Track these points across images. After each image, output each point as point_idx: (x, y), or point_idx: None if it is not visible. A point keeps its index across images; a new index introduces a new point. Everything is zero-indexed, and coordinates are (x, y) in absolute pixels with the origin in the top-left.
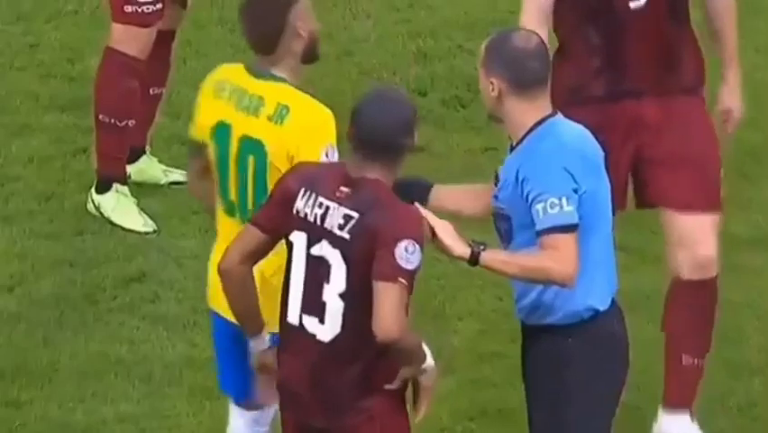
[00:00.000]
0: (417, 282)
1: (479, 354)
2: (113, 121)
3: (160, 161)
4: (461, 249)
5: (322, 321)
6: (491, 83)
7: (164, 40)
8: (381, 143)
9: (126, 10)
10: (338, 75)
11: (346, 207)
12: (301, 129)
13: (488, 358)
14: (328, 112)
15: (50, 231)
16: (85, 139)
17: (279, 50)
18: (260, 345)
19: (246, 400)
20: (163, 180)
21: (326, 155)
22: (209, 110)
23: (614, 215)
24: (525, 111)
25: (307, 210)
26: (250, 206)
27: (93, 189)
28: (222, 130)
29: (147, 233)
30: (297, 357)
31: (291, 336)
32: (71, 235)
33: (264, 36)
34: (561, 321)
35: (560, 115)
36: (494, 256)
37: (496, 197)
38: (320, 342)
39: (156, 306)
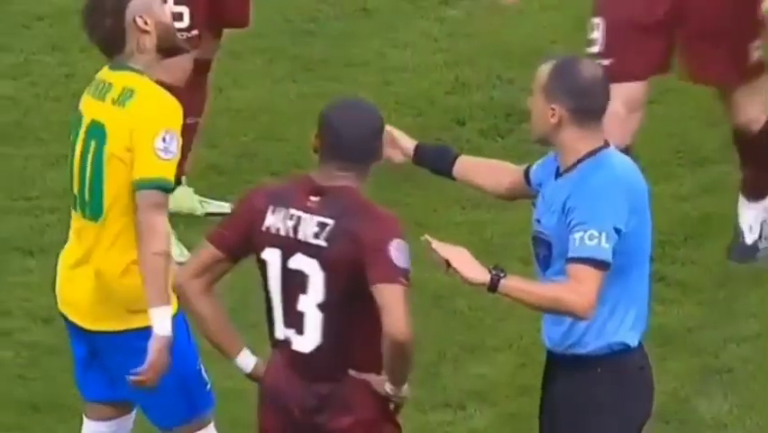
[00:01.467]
0: (457, 315)
1: (517, 387)
2: None
3: (197, 192)
4: (480, 276)
5: (301, 332)
6: (552, 109)
7: (200, 69)
8: (355, 151)
9: None
10: (375, 104)
11: (319, 215)
12: (141, 111)
13: (526, 391)
14: (174, 101)
15: None
16: None
17: (127, 48)
18: (244, 365)
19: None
20: (199, 211)
21: (163, 140)
22: (81, 102)
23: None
24: (581, 139)
25: (279, 225)
26: (86, 197)
27: None
28: (76, 119)
29: (181, 263)
30: (284, 371)
31: (279, 350)
32: None
33: (105, 40)
34: (591, 352)
35: (612, 147)
36: (514, 284)
37: (539, 221)
38: (301, 354)
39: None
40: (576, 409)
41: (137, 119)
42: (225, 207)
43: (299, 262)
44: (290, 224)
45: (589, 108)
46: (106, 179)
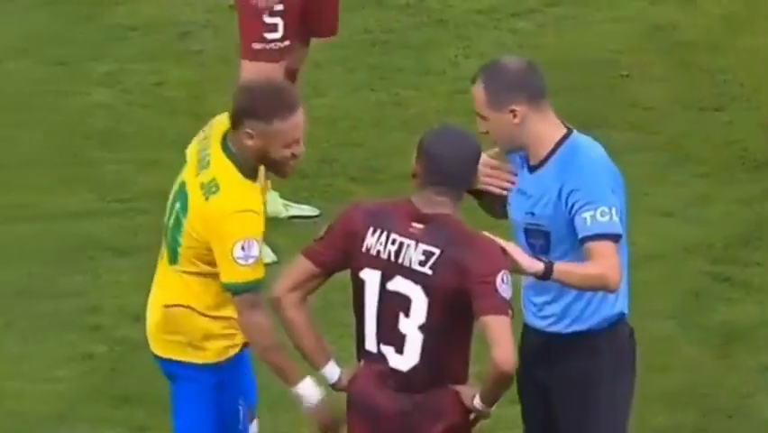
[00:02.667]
0: None
1: None
2: None
3: (281, 196)
4: (535, 264)
5: (400, 351)
6: (512, 112)
7: (288, 78)
8: (459, 179)
9: (255, 47)
10: (448, 111)
11: (424, 243)
12: (220, 217)
13: None
14: (255, 204)
15: None
16: None
17: (236, 134)
18: (330, 375)
19: None
20: (284, 214)
21: (242, 248)
22: (191, 144)
23: None
24: (546, 127)
25: (380, 247)
26: (168, 239)
27: None
28: (185, 161)
29: (267, 264)
30: (376, 381)
31: (371, 362)
32: None
33: (231, 114)
34: (593, 326)
35: (575, 132)
36: (563, 268)
37: (532, 213)
38: (398, 371)
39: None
40: (583, 385)
41: (212, 222)
42: (307, 210)
43: (400, 285)
44: (392, 248)
45: (537, 92)
46: (182, 243)
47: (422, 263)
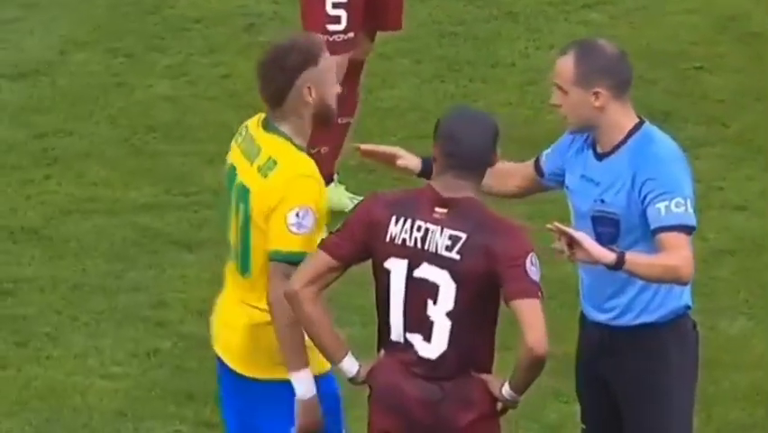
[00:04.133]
0: None
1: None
2: (323, 150)
3: (347, 189)
4: (606, 255)
5: (428, 339)
6: (595, 94)
7: (354, 70)
8: (477, 161)
9: None
10: (519, 104)
11: (450, 227)
12: (279, 185)
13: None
14: (314, 175)
15: None
16: None
17: (285, 107)
18: (348, 369)
19: None
20: (349, 207)
21: (297, 215)
22: (231, 151)
23: None
24: (624, 114)
25: (405, 236)
26: (238, 251)
27: None
28: (231, 172)
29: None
30: (402, 371)
31: (395, 352)
32: None
33: (270, 93)
34: (660, 319)
35: (647, 122)
36: (635, 259)
37: (602, 200)
38: (426, 359)
39: (341, 331)
40: (650, 381)
41: (275, 192)
42: None
43: (427, 271)
44: (417, 235)
45: (625, 81)
46: (252, 244)
47: (448, 248)
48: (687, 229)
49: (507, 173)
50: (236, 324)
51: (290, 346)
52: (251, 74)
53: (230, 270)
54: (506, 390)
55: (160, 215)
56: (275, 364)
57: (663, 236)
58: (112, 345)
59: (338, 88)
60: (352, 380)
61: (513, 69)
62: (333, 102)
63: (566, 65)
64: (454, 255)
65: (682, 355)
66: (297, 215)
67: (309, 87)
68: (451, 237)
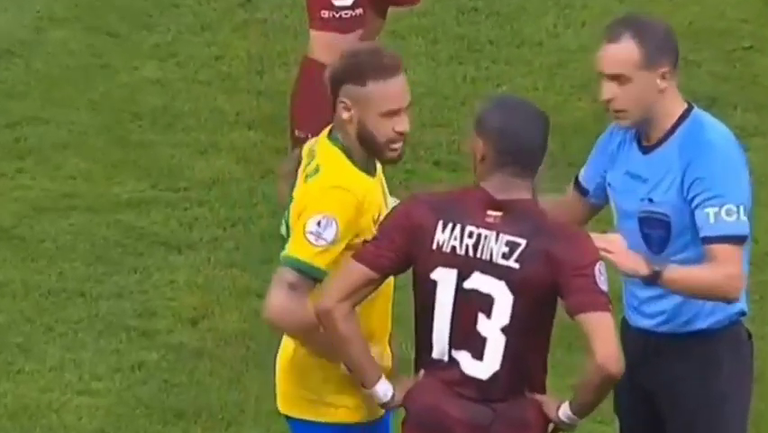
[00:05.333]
0: None
1: None
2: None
3: None
4: (642, 267)
5: (479, 357)
6: (662, 75)
7: None
8: (536, 157)
9: (323, 15)
10: (548, 88)
11: (506, 233)
12: (313, 190)
13: None
14: (348, 185)
15: (236, 259)
16: (273, 159)
17: (336, 115)
18: (383, 393)
19: None
20: None
21: (318, 223)
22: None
23: None
24: (676, 98)
25: (455, 243)
26: None
27: None
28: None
29: None
30: (445, 392)
31: (437, 371)
32: (259, 264)
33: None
34: (711, 326)
35: (696, 108)
36: (673, 275)
37: (650, 200)
38: (475, 379)
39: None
40: (701, 395)
41: (305, 197)
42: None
43: (479, 282)
44: (469, 242)
45: (678, 58)
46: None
47: (506, 256)
48: (738, 240)
49: (564, 208)
50: (282, 357)
51: (324, 353)
52: (247, 54)
53: None
54: (563, 412)
55: (146, 212)
56: (313, 402)
57: (711, 248)
58: (91, 358)
59: (400, 127)
60: (384, 405)
61: (540, 49)
62: (379, 136)
63: (627, 49)
64: (513, 264)
65: (736, 364)
66: (319, 223)
67: (345, 103)
68: (508, 243)
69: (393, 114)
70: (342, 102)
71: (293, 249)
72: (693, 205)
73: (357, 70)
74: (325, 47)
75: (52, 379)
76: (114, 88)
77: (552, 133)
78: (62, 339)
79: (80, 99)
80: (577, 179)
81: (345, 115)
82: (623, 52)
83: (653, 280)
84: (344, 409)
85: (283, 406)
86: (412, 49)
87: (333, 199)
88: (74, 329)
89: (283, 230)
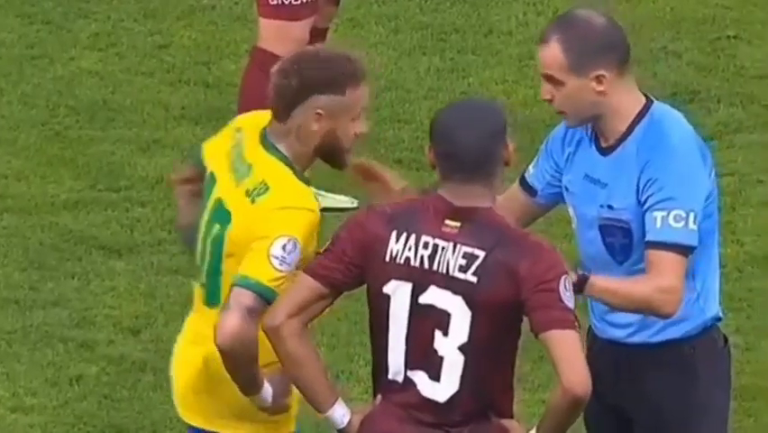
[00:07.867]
0: None
1: None
2: None
3: (321, 187)
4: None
5: (435, 378)
6: (598, 78)
7: (315, 39)
8: (477, 161)
9: (273, 2)
10: (517, 80)
11: (464, 244)
12: (269, 212)
13: None
14: (309, 204)
15: (181, 264)
16: None
17: (289, 124)
18: (340, 418)
19: None
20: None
21: (283, 248)
22: (218, 148)
23: None
24: (629, 98)
25: (409, 254)
26: (205, 280)
27: None
28: (210, 180)
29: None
30: (401, 418)
31: (393, 394)
32: None
33: (278, 101)
34: (684, 334)
35: (656, 102)
36: (601, 285)
37: (609, 206)
38: (432, 401)
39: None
40: (676, 409)
41: (262, 221)
42: (344, 202)
43: (435, 297)
44: (425, 253)
45: (626, 53)
46: (224, 273)
47: (463, 269)
48: (681, 249)
49: (507, 206)
50: (191, 363)
51: (246, 383)
52: (193, 44)
53: (196, 295)
54: None
55: (84, 214)
56: (229, 417)
57: (651, 254)
58: (26, 372)
59: (361, 129)
60: (341, 432)
61: (510, 38)
62: (347, 144)
63: (552, 53)
64: (470, 277)
65: (714, 372)
66: (284, 247)
67: (320, 114)
68: (466, 255)
69: (358, 116)
70: (317, 113)
71: (254, 271)
72: (644, 207)
73: (334, 81)
74: (276, 35)
75: None
76: (49, 81)
77: (521, 127)
78: None
79: (12, 92)
80: (524, 176)
81: (315, 126)
82: (549, 56)
83: (578, 289)
84: (266, 425)
85: (187, 413)
86: (372, 38)
87: (296, 221)
88: (6, 340)
89: (200, 253)
